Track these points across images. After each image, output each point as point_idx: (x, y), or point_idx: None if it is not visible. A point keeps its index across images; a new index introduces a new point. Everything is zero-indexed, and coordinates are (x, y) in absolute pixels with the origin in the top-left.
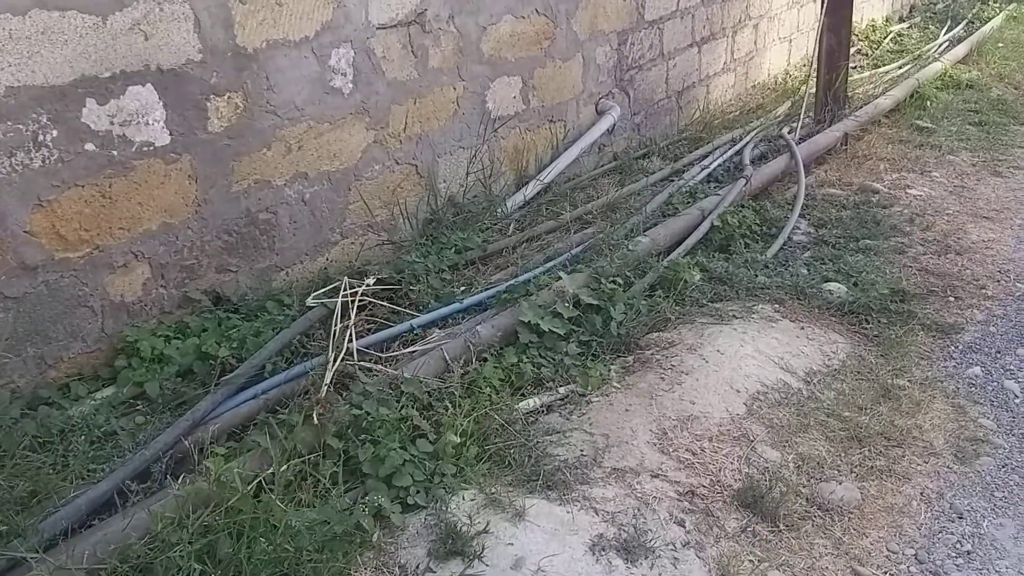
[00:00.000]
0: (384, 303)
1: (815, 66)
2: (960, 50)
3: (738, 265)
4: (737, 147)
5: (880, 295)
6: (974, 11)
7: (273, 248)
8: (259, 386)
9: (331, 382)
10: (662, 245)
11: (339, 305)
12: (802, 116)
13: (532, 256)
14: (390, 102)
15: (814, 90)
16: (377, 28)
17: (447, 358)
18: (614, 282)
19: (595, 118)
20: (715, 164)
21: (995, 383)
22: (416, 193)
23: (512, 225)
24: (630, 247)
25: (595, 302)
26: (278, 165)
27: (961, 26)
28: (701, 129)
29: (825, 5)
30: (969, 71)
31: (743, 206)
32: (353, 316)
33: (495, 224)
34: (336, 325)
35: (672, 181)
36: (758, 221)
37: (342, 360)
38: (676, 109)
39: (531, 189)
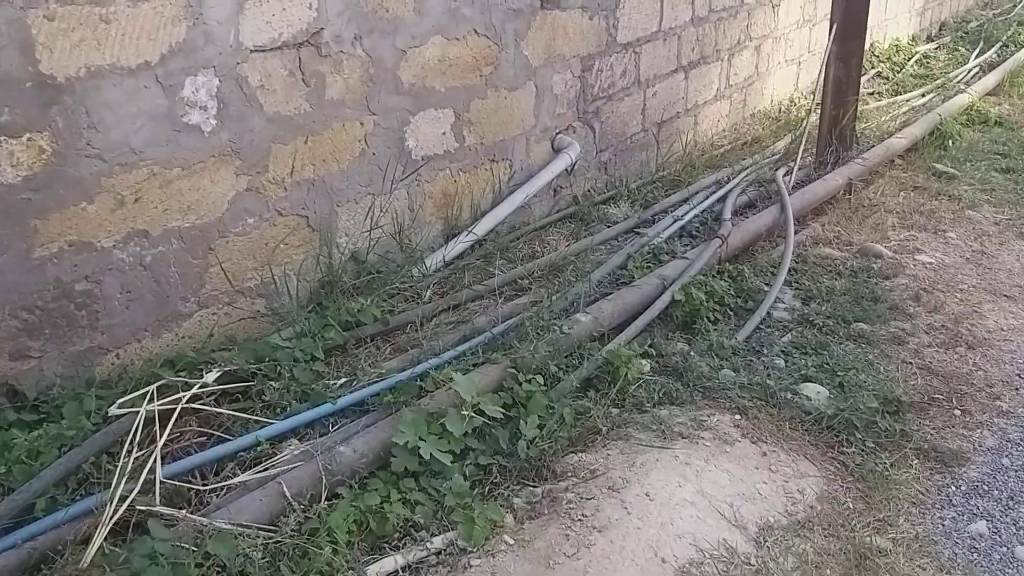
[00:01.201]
0: (221, 409)
1: (820, 100)
2: (990, 79)
3: (700, 352)
4: (721, 192)
5: (868, 407)
6: (1009, 33)
7: (95, 326)
8: (23, 530)
9: (105, 538)
10: (608, 324)
11: (140, 419)
12: (799, 157)
13: (444, 334)
14: (270, 141)
15: (818, 126)
16: (252, 51)
17: (287, 494)
18: (533, 380)
19: (551, 156)
20: (691, 215)
21: (1003, 548)
22: (306, 251)
23: (430, 289)
24: (565, 329)
25: (502, 414)
26: (105, 222)
27: (994, 49)
28: (682, 169)
29: (833, 31)
30: (999, 104)
31: (718, 272)
32: (164, 432)
33: (408, 287)
34: (134, 446)
35: (638, 233)
36: (733, 291)
37: (143, 495)
38: (654, 144)
39: (457, 244)
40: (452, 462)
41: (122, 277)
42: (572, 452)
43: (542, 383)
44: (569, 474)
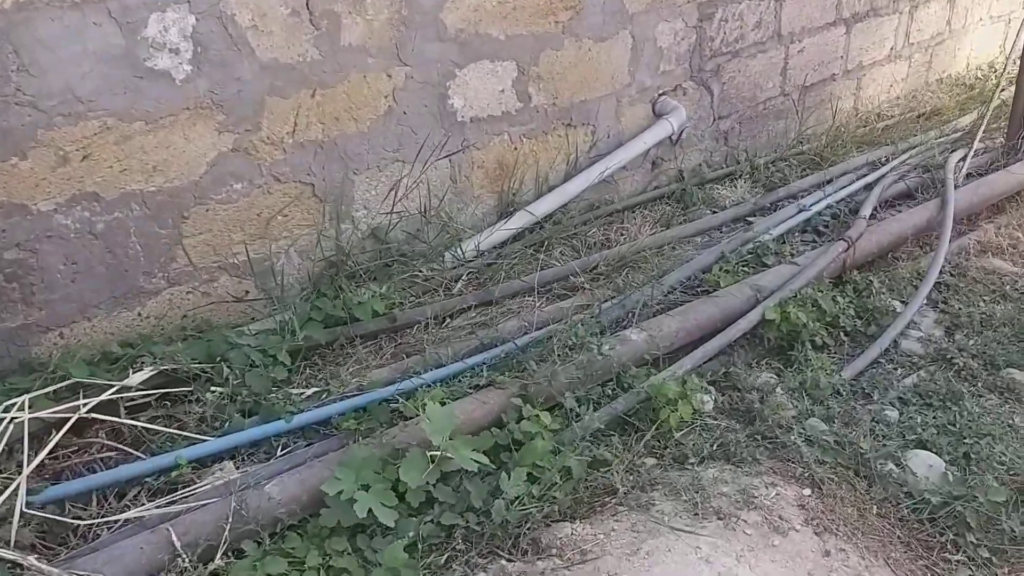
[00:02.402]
0: (134, 420)
1: (1015, 69)
2: None
3: (789, 389)
4: (872, 176)
5: (993, 498)
6: None
7: (30, 301)
8: None
9: None
10: (669, 344)
11: (25, 427)
12: (976, 138)
13: (457, 339)
14: (265, 93)
15: (1013, 101)
16: None
17: (177, 544)
18: (538, 418)
19: (650, 122)
20: (822, 204)
21: None
22: (310, 224)
23: (462, 280)
24: (604, 348)
25: (477, 465)
26: (42, 182)
27: None
28: (828, 144)
29: None
30: None
31: (838, 283)
32: (45, 448)
33: (437, 275)
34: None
35: (749, 223)
36: (853, 310)
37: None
38: (794, 113)
39: (498, 227)
40: (409, 516)
41: (65, 246)
42: (568, 520)
43: (549, 422)
44: (554, 551)
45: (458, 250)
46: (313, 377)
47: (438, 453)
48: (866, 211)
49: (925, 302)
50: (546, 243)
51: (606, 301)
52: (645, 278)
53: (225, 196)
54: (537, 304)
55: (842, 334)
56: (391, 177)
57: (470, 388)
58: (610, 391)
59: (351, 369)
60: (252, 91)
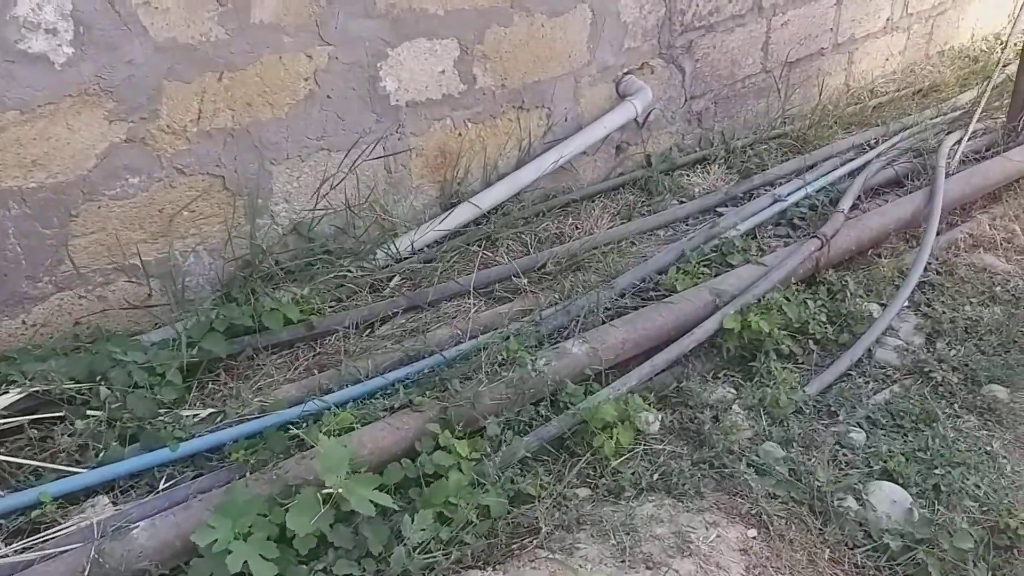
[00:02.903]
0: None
1: (1022, 41)
2: None
3: (747, 406)
4: (858, 161)
5: (959, 544)
6: None
7: None
8: None
9: None
10: (615, 357)
11: None
12: (975, 119)
13: (379, 350)
14: (162, 77)
15: (1015, 78)
16: None
17: None
18: (454, 447)
19: (614, 103)
20: (800, 193)
21: None
22: (222, 220)
23: (395, 280)
24: (539, 364)
25: (375, 509)
26: None
27: None
28: (812, 125)
29: None
30: None
31: (814, 281)
32: None
33: (367, 276)
34: None
35: (719, 214)
36: (825, 316)
37: None
38: (775, 91)
39: (432, 225)
40: (299, 563)
41: None
42: (480, 566)
43: (467, 453)
44: None
45: (392, 247)
46: (210, 396)
47: (333, 494)
48: (845, 204)
49: (906, 305)
50: (492, 238)
51: (549, 307)
52: (598, 279)
53: (120, 191)
54: (473, 309)
55: (811, 342)
56: (316, 168)
57: (384, 410)
58: (544, 412)
59: (257, 386)
60: (147, 75)
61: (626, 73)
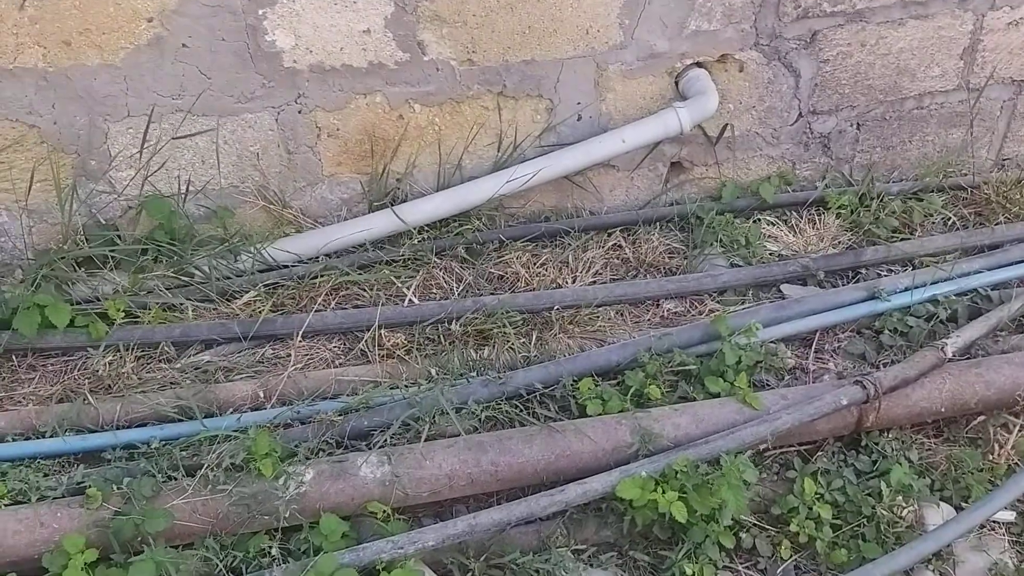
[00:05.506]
0: None
1: None
2: None
3: None
4: None
5: None
6: None
7: None
8: None
9: None
10: (422, 495)
11: None
12: None
13: (136, 394)
14: None
15: None
16: None
17: None
18: None
19: (662, 104)
20: (924, 292)
21: None
22: (44, 179)
23: (257, 292)
24: (285, 483)
25: None
26: None
27: None
28: (1019, 180)
29: None
30: None
31: (856, 444)
32: None
33: (226, 279)
34: None
35: (781, 296)
36: (831, 508)
37: None
38: (988, 120)
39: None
40: None
41: None
42: None
43: None
44: None
45: (256, 252)
46: None
47: None
48: (959, 340)
49: (1009, 516)
50: (423, 261)
51: (395, 387)
52: (506, 360)
53: None
54: (300, 366)
55: (787, 544)
56: (174, 132)
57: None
58: (275, 552)
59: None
60: None
61: (692, 65)
